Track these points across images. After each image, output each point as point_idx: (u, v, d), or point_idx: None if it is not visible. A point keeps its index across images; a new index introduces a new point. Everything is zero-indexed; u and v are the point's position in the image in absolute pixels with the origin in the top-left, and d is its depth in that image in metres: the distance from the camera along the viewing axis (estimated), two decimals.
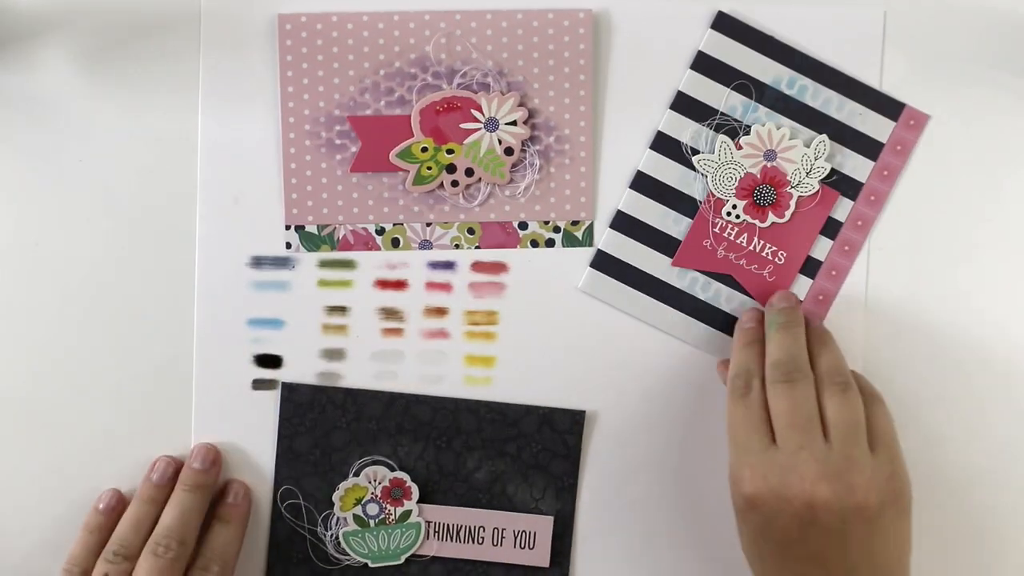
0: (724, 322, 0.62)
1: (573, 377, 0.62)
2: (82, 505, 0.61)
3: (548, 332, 0.62)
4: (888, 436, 0.54)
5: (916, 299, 0.62)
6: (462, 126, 0.61)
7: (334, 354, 0.62)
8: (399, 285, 0.62)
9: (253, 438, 0.62)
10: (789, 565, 0.52)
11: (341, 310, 0.62)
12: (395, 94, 0.61)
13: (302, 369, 0.61)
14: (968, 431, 0.63)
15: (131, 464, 0.61)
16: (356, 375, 0.61)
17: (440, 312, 0.62)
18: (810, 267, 0.62)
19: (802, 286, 0.62)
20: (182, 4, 0.61)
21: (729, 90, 0.62)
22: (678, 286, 0.62)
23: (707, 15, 0.61)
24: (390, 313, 0.62)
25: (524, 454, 0.62)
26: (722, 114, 0.62)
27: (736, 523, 0.55)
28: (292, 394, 0.61)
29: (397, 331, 0.62)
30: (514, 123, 0.61)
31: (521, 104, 0.61)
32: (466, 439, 0.61)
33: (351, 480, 0.61)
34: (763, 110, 0.62)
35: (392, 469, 0.61)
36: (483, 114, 0.61)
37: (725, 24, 0.61)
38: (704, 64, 0.62)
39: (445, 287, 0.62)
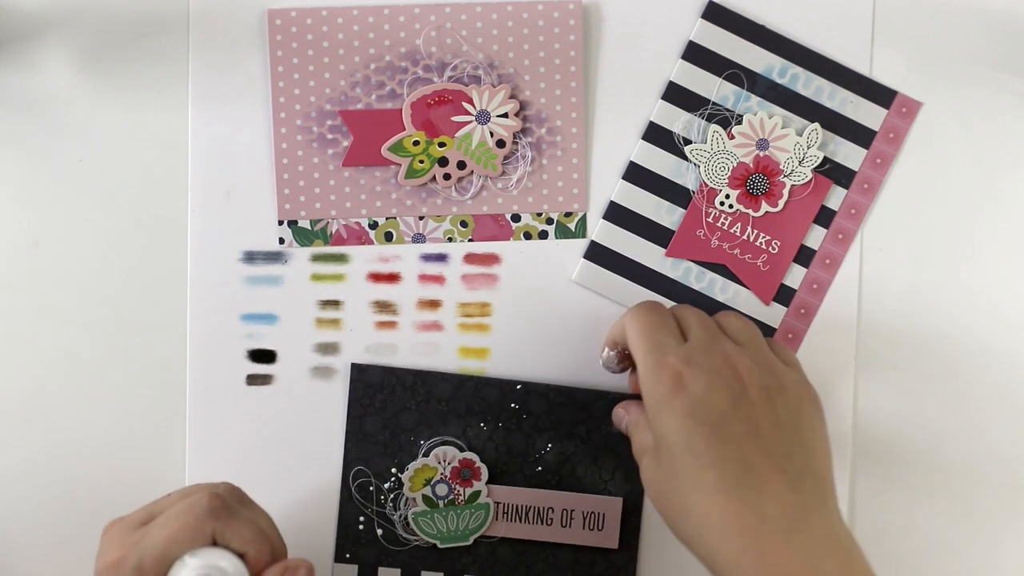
0: (719, 312, 0.62)
1: (567, 369, 0.62)
2: (76, 500, 0.61)
3: (542, 324, 0.62)
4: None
5: (911, 288, 0.62)
6: (453, 119, 0.61)
7: (328, 348, 0.62)
8: (392, 278, 0.62)
9: (248, 433, 0.62)
10: (725, 448, 0.50)
11: (334, 304, 0.62)
12: (386, 88, 0.61)
13: (296, 363, 0.61)
14: (965, 423, 0.63)
15: (125, 459, 0.61)
16: (350, 369, 0.61)
17: (433, 304, 0.62)
18: (804, 256, 0.62)
19: (796, 275, 0.62)
20: (172, 0, 0.61)
21: (721, 80, 0.62)
22: (672, 276, 0.62)
23: (698, 4, 0.61)
24: (383, 306, 0.62)
25: (594, 436, 0.61)
26: (714, 104, 0.62)
27: (653, 426, 0.52)
28: (362, 375, 0.61)
29: (391, 324, 0.62)
30: (505, 115, 0.61)
31: (512, 96, 0.61)
32: (535, 421, 0.61)
33: (420, 460, 0.61)
34: (755, 99, 0.62)
35: (461, 450, 0.61)
36: (474, 107, 0.61)
37: (716, 13, 0.61)
38: (695, 54, 0.61)
39: (438, 279, 0.62)
